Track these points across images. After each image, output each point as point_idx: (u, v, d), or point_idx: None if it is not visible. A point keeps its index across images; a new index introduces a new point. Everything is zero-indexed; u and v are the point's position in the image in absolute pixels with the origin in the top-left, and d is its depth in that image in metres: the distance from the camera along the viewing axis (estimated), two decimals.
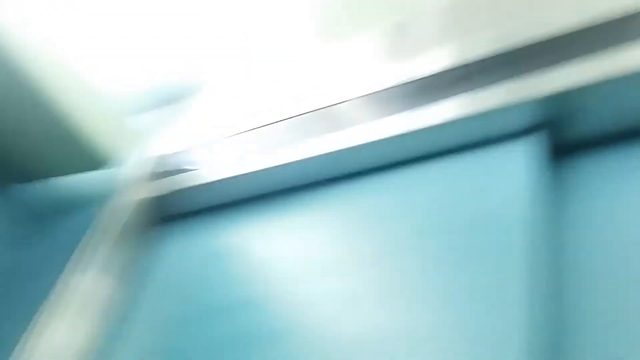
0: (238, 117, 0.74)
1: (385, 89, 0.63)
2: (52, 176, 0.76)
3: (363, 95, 0.64)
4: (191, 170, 0.72)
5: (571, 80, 0.51)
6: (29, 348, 0.56)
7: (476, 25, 0.62)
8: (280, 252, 0.62)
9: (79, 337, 0.60)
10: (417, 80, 0.61)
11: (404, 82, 0.62)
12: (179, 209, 0.73)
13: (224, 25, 0.81)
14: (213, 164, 0.71)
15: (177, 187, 0.71)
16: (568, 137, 0.56)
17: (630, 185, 0.52)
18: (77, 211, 0.72)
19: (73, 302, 0.61)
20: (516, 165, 0.54)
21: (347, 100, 0.65)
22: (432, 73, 0.60)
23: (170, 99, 0.85)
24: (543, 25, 0.56)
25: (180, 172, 0.72)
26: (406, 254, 0.53)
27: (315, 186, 0.66)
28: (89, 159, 0.70)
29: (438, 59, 0.61)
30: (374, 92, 0.63)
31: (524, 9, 0.60)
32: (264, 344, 0.53)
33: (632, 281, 0.45)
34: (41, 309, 0.59)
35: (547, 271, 0.46)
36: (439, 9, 0.67)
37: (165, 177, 0.73)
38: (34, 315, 0.58)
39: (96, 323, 0.62)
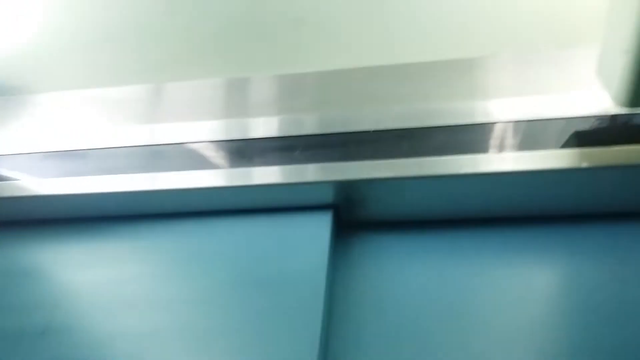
0: (68, 134, 0.75)
1: (214, 141, 0.68)
2: None
3: (192, 142, 0.68)
4: (10, 179, 0.71)
5: (360, 173, 0.61)
6: None
7: (303, 105, 0.70)
8: (90, 280, 0.64)
9: None
10: (246, 140, 0.67)
11: (233, 138, 0.68)
12: None
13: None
14: (34, 177, 0.70)
15: None
16: (351, 218, 0.66)
17: (400, 266, 0.63)
18: None
19: None
20: (311, 234, 0.63)
21: (176, 143, 0.69)
22: (259, 137, 0.67)
23: None
24: (355, 121, 0.65)
25: None
26: (212, 300, 0.60)
27: (135, 219, 0.69)
28: None
29: (266, 125, 0.68)
30: (202, 142, 0.68)
31: (348, 102, 0.69)
32: None
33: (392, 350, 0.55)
34: None
35: (325, 330, 0.55)
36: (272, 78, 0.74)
37: None
38: None
39: None
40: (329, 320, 0.58)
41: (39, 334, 0.59)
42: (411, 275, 0.61)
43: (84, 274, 0.65)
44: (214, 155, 0.67)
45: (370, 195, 0.63)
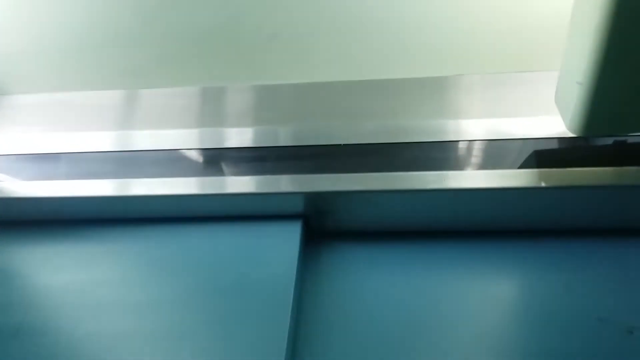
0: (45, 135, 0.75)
1: (188, 149, 0.70)
2: None
3: (165, 149, 0.70)
4: None
5: (330, 186, 0.63)
6: None
7: (276, 117, 0.71)
8: (62, 282, 0.65)
9: None
10: (219, 149, 0.69)
11: (206, 147, 0.69)
12: None
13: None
14: (7, 179, 0.71)
15: None
16: (320, 228, 0.69)
17: (367, 275, 0.66)
18: None
19: None
20: (281, 243, 0.66)
21: (149, 150, 0.70)
22: (232, 147, 0.69)
23: None
24: (327, 134, 0.67)
25: None
26: (182, 305, 0.61)
27: (108, 224, 0.71)
28: None
29: (239, 136, 0.69)
30: (176, 149, 0.70)
31: (321, 116, 0.71)
32: None
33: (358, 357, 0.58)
34: None
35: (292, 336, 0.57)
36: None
37: None
38: None
39: None
40: (297, 326, 0.60)
41: (12, 334, 0.60)
42: (377, 285, 0.64)
43: (56, 276, 0.66)
44: (187, 163, 0.68)
45: (340, 206, 0.66)
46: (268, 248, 0.65)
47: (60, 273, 0.66)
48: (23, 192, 0.69)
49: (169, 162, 0.68)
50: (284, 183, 0.64)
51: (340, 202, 0.64)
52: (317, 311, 0.62)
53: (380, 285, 0.63)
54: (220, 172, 0.66)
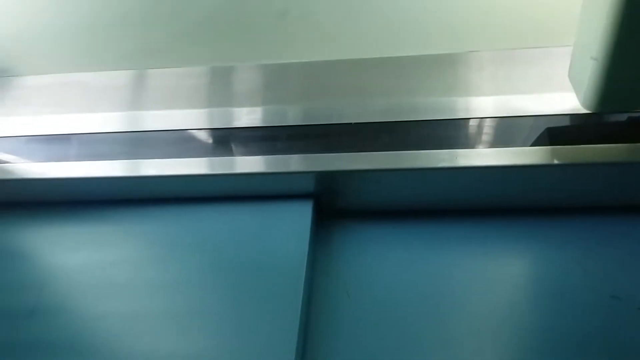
0: (52, 116, 0.75)
1: (198, 129, 0.70)
2: None
3: (175, 130, 0.70)
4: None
5: (341, 165, 0.63)
6: None
7: (286, 96, 0.71)
8: (77, 262, 0.66)
9: None
10: (229, 128, 0.69)
11: (216, 127, 0.69)
12: None
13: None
14: (20, 160, 0.71)
15: None
16: (331, 207, 0.69)
17: (378, 254, 0.66)
18: None
19: None
20: (292, 222, 0.66)
21: (159, 130, 0.70)
22: (242, 126, 0.69)
23: None
24: (337, 113, 0.67)
25: None
26: (194, 284, 0.62)
27: (121, 204, 0.71)
28: None
29: (249, 115, 0.69)
30: (186, 129, 0.70)
31: (331, 94, 0.71)
32: (48, 353, 0.58)
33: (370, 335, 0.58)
34: None
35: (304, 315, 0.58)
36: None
37: None
38: None
39: None
40: (309, 305, 0.60)
41: (28, 314, 0.61)
42: (388, 263, 0.64)
43: (70, 256, 0.67)
44: (197, 143, 0.68)
45: (351, 186, 0.65)
46: (279, 228, 0.65)
47: (73, 253, 0.67)
48: (35, 173, 0.69)
49: (179, 142, 0.68)
50: (295, 162, 0.64)
51: (351, 181, 0.64)
52: (328, 290, 0.62)
53: (391, 264, 0.64)
54: (230, 152, 0.66)
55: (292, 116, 0.68)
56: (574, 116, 0.62)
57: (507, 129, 0.62)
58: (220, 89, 0.73)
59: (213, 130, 0.69)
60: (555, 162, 0.59)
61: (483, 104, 0.65)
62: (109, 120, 0.72)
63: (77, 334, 0.59)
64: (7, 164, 0.70)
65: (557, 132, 0.61)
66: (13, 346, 0.59)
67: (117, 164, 0.67)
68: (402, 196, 0.66)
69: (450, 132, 0.63)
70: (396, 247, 0.65)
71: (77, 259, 0.66)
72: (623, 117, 0.61)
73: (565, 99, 0.63)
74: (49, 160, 0.70)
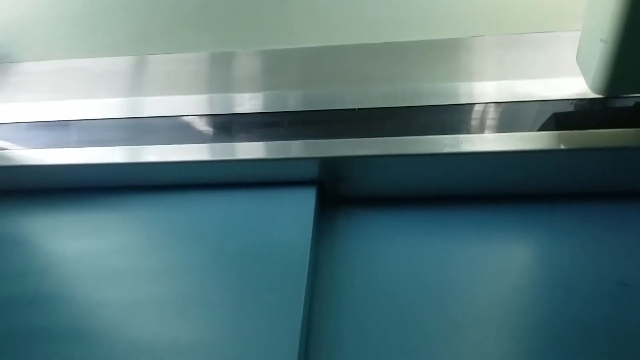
0: (51, 102, 0.74)
1: (199, 115, 0.69)
2: None
3: (176, 116, 0.69)
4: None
5: (344, 151, 0.62)
6: None
7: (288, 81, 0.70)
8: (77, 250, 0.65)
9: None
10: (231, 114, 0.68)
11: (218, 113, 0.68)
12: None
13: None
14: (20, 147, 0.71)
15: None
16: (335, 193, 0.68)
17: (382, 241, 0.65)
18: None
19: None
20: (296, 209, 0.65)
21: (160, 117, 0.69)
22: (244, 112, 0.68)
23: None
24: (340, 99, 0.66)
25: None
26: (196, 272, 0.61)
27: (121, 191, 0.71)
28: None
29: (251, 101, 0.68)
30: (187, 115, 0.69)
31: (333, 80, 0.70)
32: (48, 341, 0.57)
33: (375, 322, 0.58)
34: None
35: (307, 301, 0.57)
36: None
37: None
38: None
39: None
40: (312, 293, 0.60)
41: (28, 301, 0.61)
42: (393, 250, 0.63)
43: (71, 243, 0.66)
44: (199, 129, 0.68)
45: (354, 172, 0.65)
46: (282, 215, 0.64)
47: (73, 241, 0.67)
48: (34, 160, 0.69)
49: (179, 128, 0.67)
50: (298, 148, 0.63)
51: (355, 167, 0.64)
52: (332, 278, 0.62)
53: (396, 251, 0.63)
54: (232, 138, 0.65)
55: (294, 102, 0.67)
56: (580, 101, 0.61)
57: (513, 114, 0.62)
58: (221, 74, 0.72)
59: (214, 116, 0.68)
60: (562, 147, 0.58)
61: (488, 89, 0.64)
62: (109, 107, 0.71)
63: (78, 322, 0.58)
64: (7, 150, 0.69)
65: (563, 117, 0.60)
66: (13, 334, 0.58)
67: (117, 150, 0.67)
68: (407, 182, 0.65)
69: (455, 117, 0.62)
70: (401, 234, 0.65)
71: (77, 247, 0.66)
72: (631, 101, 0.60)
73: (573, 84, 0.62)
74: (49, 147, 0.69)
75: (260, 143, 0.64)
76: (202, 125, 0.67)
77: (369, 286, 0.61)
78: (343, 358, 0.55)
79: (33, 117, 0.72)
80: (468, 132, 0.61)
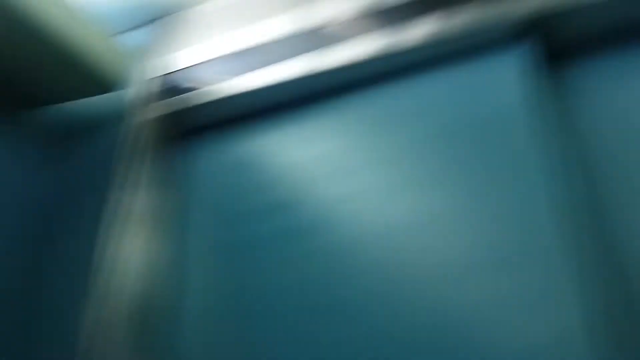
0: (237, 32, 0.76)
1: (384, 5, 0.67)
2: (58, 102, 0.77)
3: (359, 12, 0.68)
4: (200, 86, 0.74)
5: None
6: (103, 262, 0.61)
7: None
8: (303, 157, 0.69)
9: (142, 248, 0.66)
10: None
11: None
12: (195, 124, 0.77)
13: None
14: (222, 79, 0.74)
15: (191, 104, 0.75)
16: (561, 38, 0.64)
17: (617, 86, 0.61)
18: (95, 134, 0.74)
19: (129, 217, 0.66)
20: (509, 73, 0.62)
21: (342, 18, 0.69)
22: None
23: (157, 15, 0.85)
24: None
25: (189, 90, 0.75)
26: (420, 154, 0.62)
27: (326, 96, 0.72)
28: (93, 82, 0.72)
29: None
30: (371, 10, 0.67)
31: None
32: (303, 237, 0.62)
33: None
34: (100, 226, 0.64)
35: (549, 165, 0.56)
36: None
37: (175, 94, 0.75)
38: (92, 232, 0.63)
39: (153, 233, 0.68)
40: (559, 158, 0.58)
41: (277, 205, 0.66)
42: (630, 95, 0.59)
43: (297, 153, 0.70)
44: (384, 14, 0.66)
45: (571, 20, 0.60)
46: (499, 80, 0.62)
47: (297, 151, 0.70)
48: (246, 87, 0.72)
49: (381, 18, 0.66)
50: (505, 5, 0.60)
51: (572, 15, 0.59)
52: (564, 134, 0.59)
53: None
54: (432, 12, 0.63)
55: None
56: None
57: None
58: None
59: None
60: None
61: None
62: (284, 23, 0.71)
63: (315, 220, 0.63)
64: (227, 81, 0.72)
65: None
66: (258, 238, 0.64)
67: (321, 57, 0.67)
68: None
69: None
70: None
71: (304, 154, 0.69)
72: None
73: None
74: (254, 70, 0.71)
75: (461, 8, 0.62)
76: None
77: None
78: None
79: (230, 48, 0.74)
80: None
